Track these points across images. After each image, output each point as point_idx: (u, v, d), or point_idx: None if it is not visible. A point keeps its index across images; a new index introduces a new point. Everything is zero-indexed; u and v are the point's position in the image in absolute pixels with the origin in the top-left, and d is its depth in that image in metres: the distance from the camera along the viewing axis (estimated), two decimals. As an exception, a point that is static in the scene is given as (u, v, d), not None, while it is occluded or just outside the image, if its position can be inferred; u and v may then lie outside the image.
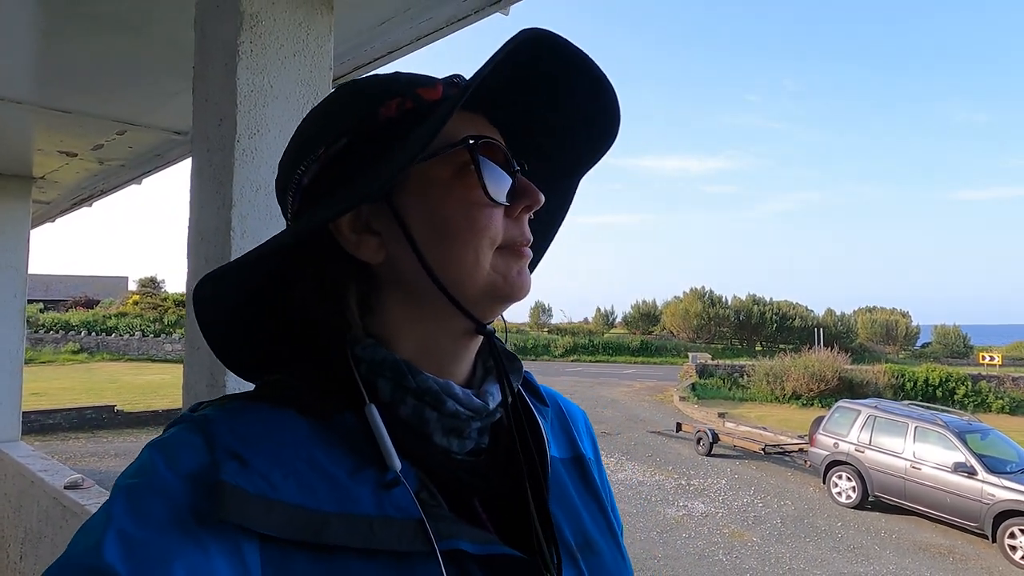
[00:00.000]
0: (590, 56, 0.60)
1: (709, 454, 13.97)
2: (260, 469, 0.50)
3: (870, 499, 10.92)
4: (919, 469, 10.29)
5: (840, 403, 12.42)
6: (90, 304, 35.63)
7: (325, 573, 0.49)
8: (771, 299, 43.39)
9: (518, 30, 0.55)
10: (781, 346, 35.88)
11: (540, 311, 50.27)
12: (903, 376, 23.33)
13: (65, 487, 3.28)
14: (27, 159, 3.72)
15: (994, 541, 9.23)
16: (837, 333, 38.64)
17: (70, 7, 1.95)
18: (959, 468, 9.78)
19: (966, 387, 22.72)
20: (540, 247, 0.72)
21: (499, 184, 0.60)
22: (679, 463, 13.39)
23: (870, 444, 11.02)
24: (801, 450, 13.26)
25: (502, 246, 0.60)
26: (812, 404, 20.88)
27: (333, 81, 1.55)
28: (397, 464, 0.53)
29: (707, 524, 9.78)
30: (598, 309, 50.79)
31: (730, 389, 23.41)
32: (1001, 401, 21.95)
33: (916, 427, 10.66)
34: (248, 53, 1.39)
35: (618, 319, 50.44)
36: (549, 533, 0.60)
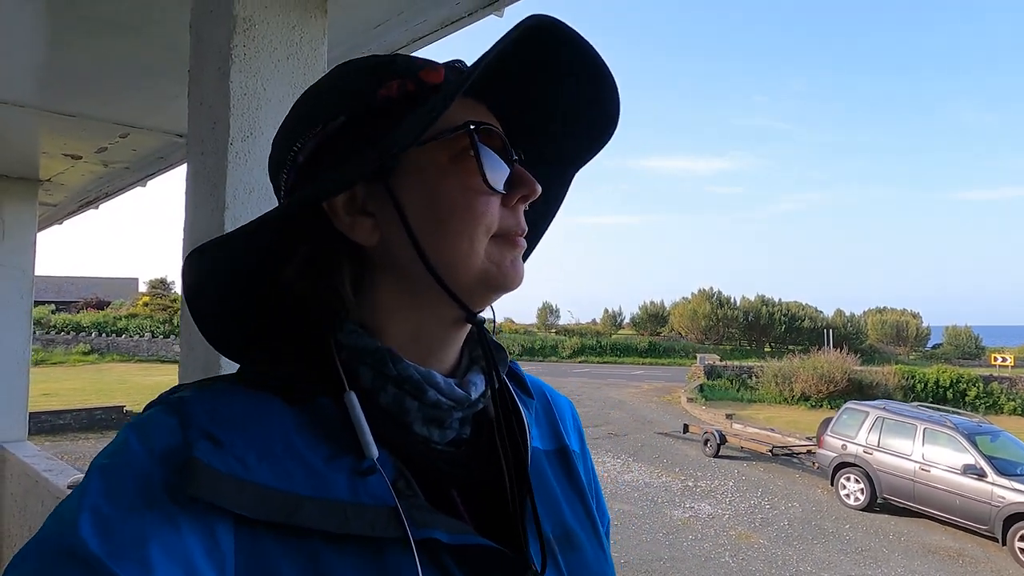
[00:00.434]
0: (593, 46, 0.59)
1: (716, 455, 13.93)
2: (234, 450, 0.50)
3: (878, 501, 10.85)
4: (928, 471, 10.22)
5: (848, 404, 12.35)
6: (101, 305, 35.91)
7: (296, 556, 0.49)
8: (780, 300, 43.26)
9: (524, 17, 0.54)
10: (790, 347, 35.72)
11: (547, 312, 50.27)
12: (913, 377, 23.19)
13: (68, 486, 3.30)
14: (33, 162, 3.75)
15: (1004, 544, 9.15)
16: (846, 334, 38.45)
17: (71, 11, 1.97)
18: (969, 470, 9.70)
19: (977, 388, 22.55)
20: (533, 238, 0.71)
21: (497, 172, 0.59)
22: (686, 464, 13.35)
23: (878, 446, 10.95)
24: (809, 452, 13.20)
25: (497, 235, 0.60)
26: (821, 406, 20.78)
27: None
28: (374, 452, 0.53)
29: (714, 526, 9.74)
30: (606, 310, 50.80)
31: (738, 390, 23.33)
32: (1013, 403, 21.79)
33: (925, 429, 10.59)
34: (241, 56, 1.39)
35: (626, 320, 50.38)
36: (526, 524, 0.59)
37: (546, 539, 0.61)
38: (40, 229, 4.68)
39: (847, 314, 44.84)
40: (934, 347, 46.30)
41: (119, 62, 2.29)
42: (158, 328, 31.42)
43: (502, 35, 0.53)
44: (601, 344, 39.36)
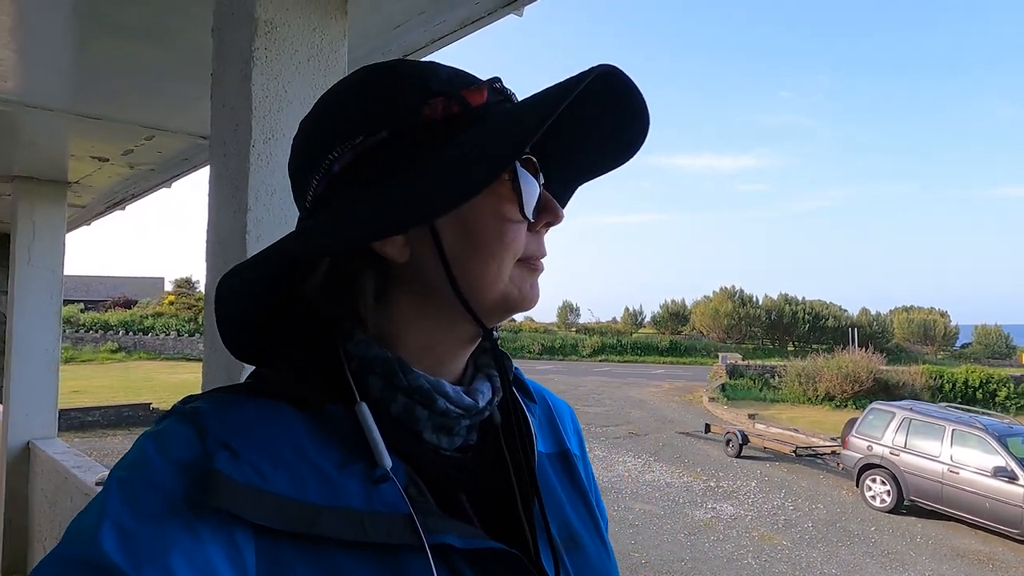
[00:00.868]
0: (644, 97, 0.60)
1: (739, 456, 13.79)
2: (250, 460, 0.50)
3: (905, 503, 10.67)
4: (957, 473, 10.02)
5: (874, 405, 12.15)
6: (128, 304, 36.57)
7: (315, 565, 0.49)
8: (803, 298, 42.69)
9: (594, 64, 0.54)
10: (814, 346, 35.27)
11: (568, 311, 50.16)
12: (941, 377, 22.76)
13: (96, 483, 3.36)
14: (62, 165, 3.83)
15: (1036, 548, 8.96)
16: (872, 333, 37.86)
17: (98, 17, 2.00)
18: (999, 472, 9.50)
19: (1008, 389, 22.07)
20: None
21: (531, 199, 0.60)
22: (708, 464, 13.24)
23: (905, 447, 10.76)
24: (834, 452, 13.01)
25: (521, 259, 0.61)
26: (845, 406, 20.48)
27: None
28: (388, 462, 0.54)
29: (736, 527, 9.65)
30: (626, 309, 50.53)
31: (761, 390, 23.08)
32: (1045, 404, 21.27)
33: (954, 430, 10.38)
34: (263, 59, 1.40)
35: (647, 319, 50.08)
36: (535, 527, 0.60)
37: (554, 541, 0.62)
38: (69, 230, 4.78)
39: (872, 313, 44.13)
40: (963, 346, 45.39)
41: (144, 66, 2.32)
42: (183, 327, 31.94)
43: (568, 81, 0.52)
44: (622, 343, 39.18)
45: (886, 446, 10.99)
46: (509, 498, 0.61)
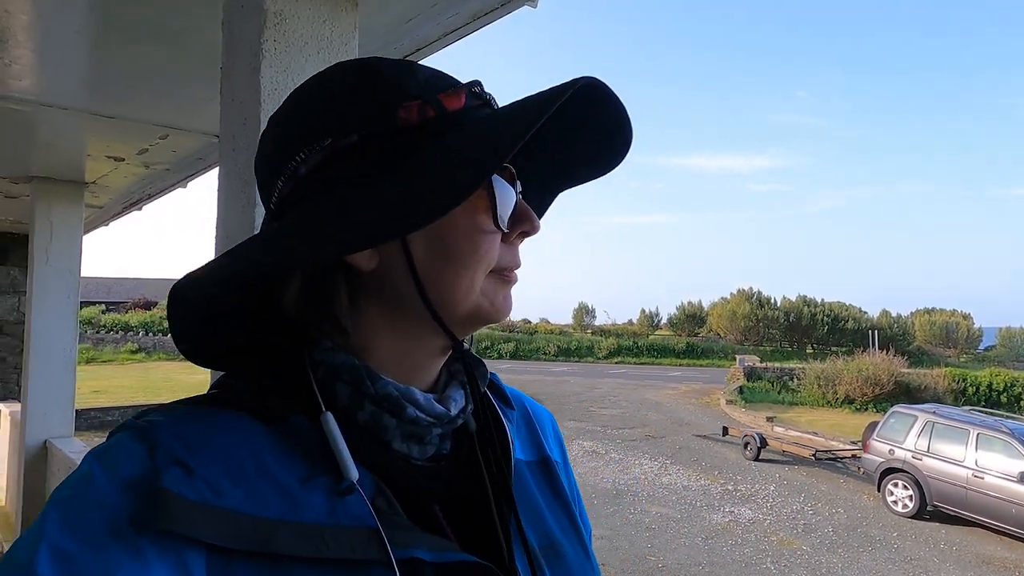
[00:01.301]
0: (627, 110, 0.59)
1: (757, 459, 13.63)
2: (206, 476, 0.48)
3: (928, 508, 10.47)
4: (982, 478, 9.81)
5: (896, 408, 11.96)
6: (148, 305, 37.04)
7: None
8: (822, 300, 42.22)
9: (577, 76, 0.53)
10: (833, 349, 34.81)
11: (584, 312, 50.09)
12: (965, 380, 22.39)
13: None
14: (79, 165, 3.86)
15: (1064, 556, 8.75)
16: (893, 335, 37.32)
17: (113, 18, 2.00)
18: (1026, 478, 9.30)
19: (1033, 392, 21.65)
20: None
21: (506, 208, 0.58)
22: (725, 468, 13.10)
23: (928, 451, 10.57)
24: (854, 456, 12.83)
25: (494, 270, 0.59)
26: (866, 409, 20.18)
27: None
28: (354, 474, 0.51)
29: (754, 531, 9.52)
30: (642, 310, 50.31)
31: (779, 393, 22.83)
32: (1072, 408, 20.84)
33: (978, 434, 10.18)
34: (272, 52, 1.38)
35: (663, 321, 49.84)
36: (510, 537, 0.58)
37: (532, 550, 0.60)
38: (87, 231, 4.83)
39: (893, 315, 43.56)
40: (986, 349, 44.67)
41: (157, 65, 2.32)
42: (202, 328, 32.25)
43: (547, 92, 0.51)
44: (638, 345, 39.01)
45: (908, 450, 10.80)
46: (485, 508, 0.59)
